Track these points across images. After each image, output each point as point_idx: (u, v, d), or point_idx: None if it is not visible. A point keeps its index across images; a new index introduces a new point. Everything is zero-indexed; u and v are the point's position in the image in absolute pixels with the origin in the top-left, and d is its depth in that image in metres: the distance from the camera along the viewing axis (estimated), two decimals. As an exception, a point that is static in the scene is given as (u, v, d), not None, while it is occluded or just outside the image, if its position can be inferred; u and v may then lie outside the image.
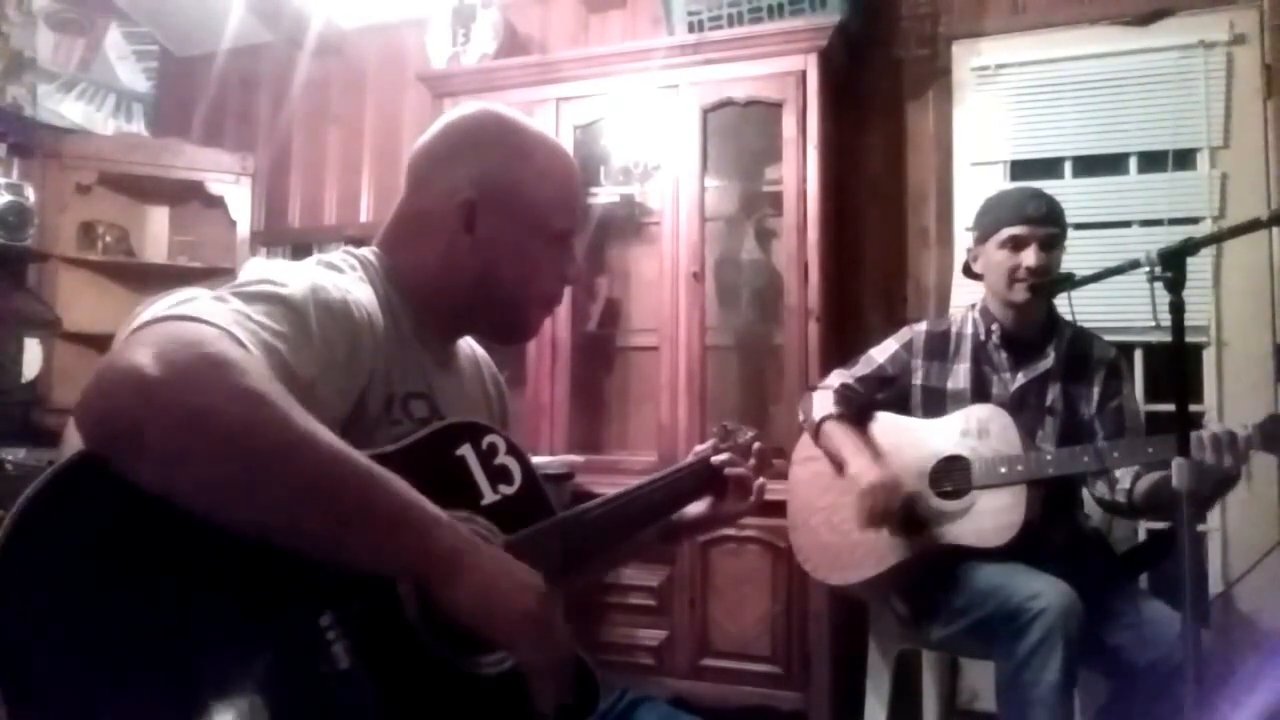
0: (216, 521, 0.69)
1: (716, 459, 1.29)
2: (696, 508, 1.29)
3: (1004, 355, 1.92)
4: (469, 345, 1.18)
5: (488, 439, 0.96)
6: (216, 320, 0.75)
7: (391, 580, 0.80)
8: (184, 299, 0.75)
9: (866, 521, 1.81)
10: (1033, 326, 1.91)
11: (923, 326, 2.03)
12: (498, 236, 1.03)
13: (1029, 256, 1.83)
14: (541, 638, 0.77)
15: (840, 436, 1.93)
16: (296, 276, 0.87)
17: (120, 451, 0.67)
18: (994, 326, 1.93)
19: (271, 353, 0.77)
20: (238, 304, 0.79)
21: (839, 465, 1.92)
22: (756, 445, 1.34)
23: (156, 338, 0.70)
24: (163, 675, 0.67)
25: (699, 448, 1.32)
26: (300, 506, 0.70)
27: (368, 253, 1.04)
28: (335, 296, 0.88)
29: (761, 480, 1.30)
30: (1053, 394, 1.88)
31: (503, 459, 0.97)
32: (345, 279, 0.95)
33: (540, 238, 1.05)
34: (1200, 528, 2.46)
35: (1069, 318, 1.89)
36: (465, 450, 0.93)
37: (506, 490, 0.96)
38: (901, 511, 1.81)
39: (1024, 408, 1.87)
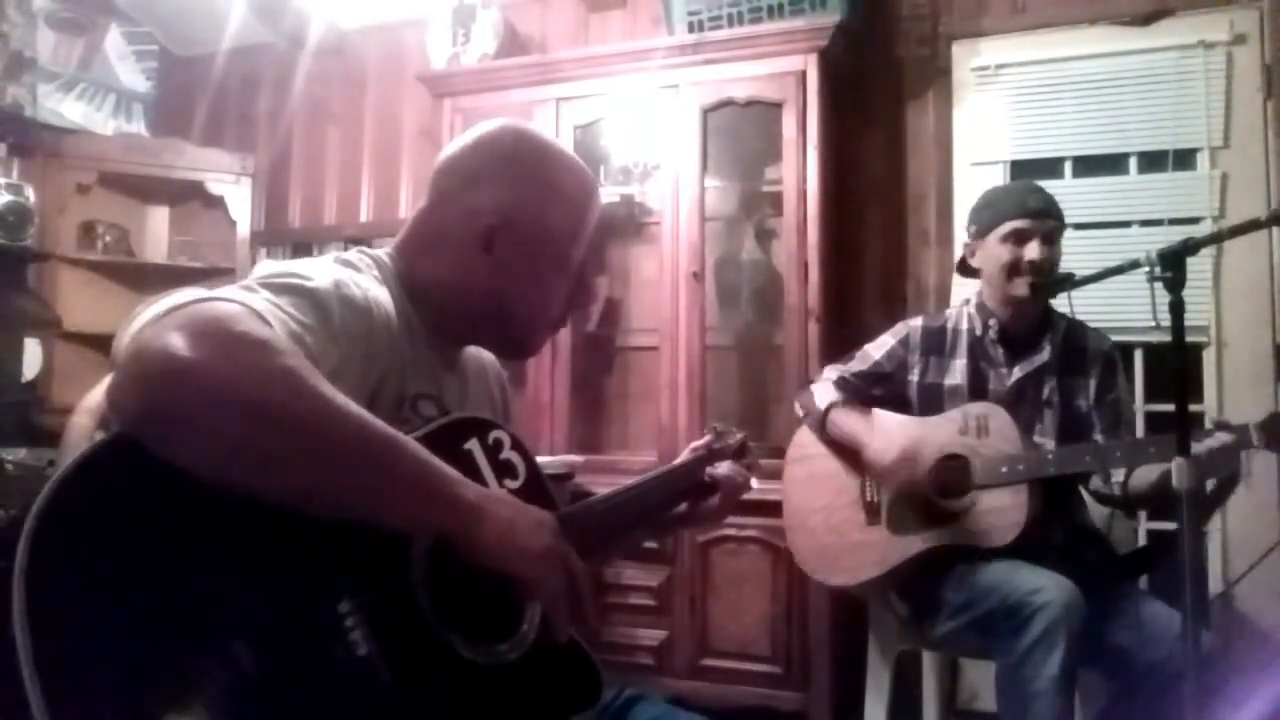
0: (259, 494, 0.72)
1: (707, 445, 1.32)
2: (686, 505, 1.31)
3: (1000, 350, 1.92)
4: (475, 349, 1.19)
5: (493, 434, 0.98)
6: (245, 302, 0.77)
7: (406, 568, 0.83)
8: (192, 298, 0.77)
9: (898, 492, 1.83)
10: (1029, 321, 1.91)
11: (918, 322, 2.02)
12: (514, 262, 1.04)
13: (1032, 250, 1.83)
14: (558, 570, 0.85)
15: (850, 421, 1.93)
16: (320, 271, 0.89)
17: (164, 433, 0.69)
18: (991, 322, 1.93)
19: (298, 342, 0.79)
20: (266, 294, 0.81)
21: (853, 450, 1.91)
22: (745, 446, 1.37)
23: (189, 320, 0.72)
24: (184, 654, 0.67)
25: (694, 444, 1.35)
26: (340, 474, 0.75)
27: (383, 254, 1.05)
28: (356, 294, 0.91)
29: (749, 479, 1.32)
30: (1049, 387, 1.88)
31: (508, 454, 0.99)
32: (363, 278, 0.96)
33: (557, 267, 1.07)
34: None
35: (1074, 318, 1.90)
36: (472, 445, 0.95)
37: (512, 485, 0.97)
38: (932, 480, 1.82)
39: (1021, 402, 1.87)
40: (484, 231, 1.02)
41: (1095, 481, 1.85)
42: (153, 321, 0.73)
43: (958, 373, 1.93)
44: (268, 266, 0.90)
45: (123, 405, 0.70)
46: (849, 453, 1.93)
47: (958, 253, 2.79)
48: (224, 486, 0.70)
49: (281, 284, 0.84)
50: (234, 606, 0.71)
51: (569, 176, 1.08)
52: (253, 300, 0.78)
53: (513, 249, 1.03)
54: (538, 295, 1.07)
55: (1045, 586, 1.59)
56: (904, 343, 2.00)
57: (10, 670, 0.60)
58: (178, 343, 0.69)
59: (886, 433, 1.87)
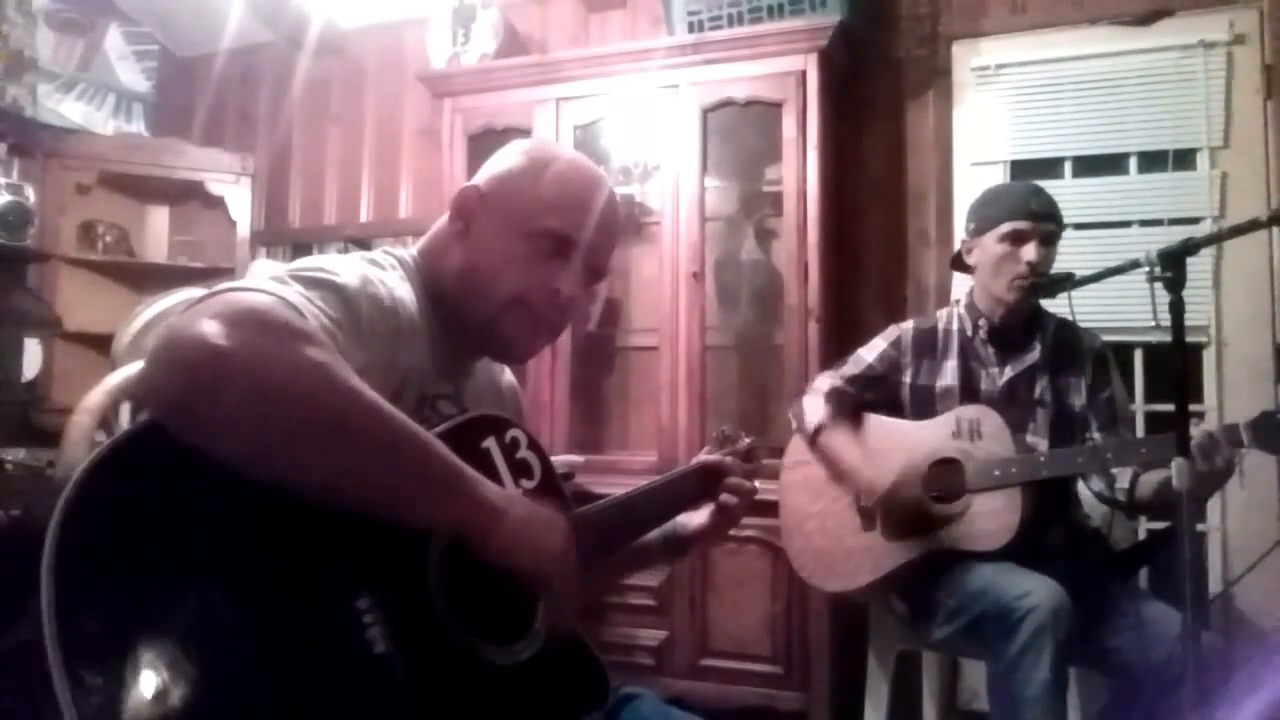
0: (284, 483, 0.72)
1: (714, 459, 1.30)
2: (699, 519, 1.28)
3: (991, 350, 1.92)
4: (498, 368, 1.22)
5: (510, 433, 0.99)
6: (279, 293, 0.78)
7: (423, 566, 0.84)
8: (224, 287, 0.77)
9: (892, 528, 1.82)
10: (1019, 320, 1.91)
11: (910, 324, 2.02)
12: (487, 231, 1.04)
13: (1029, 251, 1.83)
14: (568, 570, 0.88)
15: (837, 444, 1.93)
16: (348, 269, 0.90)
17: (195, 418, 0.70)
18: (981, 321, 1.93)
19: (329, 337, 0.80)
20: (298, 288, 0.82)
21: (839, 475, 1.92)
22: (753, 450, 1.36)
23: (224, 308, 0.72)
24: (201, 643, 0.68)
25: (705, 449, 1.34)
26: (367, 468, 0.76)
27: (407, 255, 1.06)
28: (383, 293, 0.92)
29: (756, 484, 1.30)
30: (1041, 386, 1.88)
31: (524, 453, 0.99)
32: (389, 277, 0.97)
33: (524, 237, 1.03)
34: (1200, 527, 2.46)
35: (1070, 318, 1.89)
36: (490, 443, 0.96)
37: (527, 484, 0.98)
38: (926, 485, 1.82)
39: (1013, 401, 1.87)
40: (466, 197, 1.04)
41: (1098, 485, 1.85)
42: (185, 308, 0.73)
43: (949, 374, 1.93)
44: (264, 267, 0.91)
45: (156, 389, 0.70)
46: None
47: (958, 253, 2.81)
48: (250, 474, 0.71)
49: (312, 279, 0.85)
50: (253, 597, 0.71)
51: (564, 161, 1.09)
52: (286, 293, 0.79)
53: (486, 221, 1.04)
54: (499, 265, 1.02)
55: (1032, 590, 1.58)
56: (896, 345, 1.99)
57: (36, 660, 0.60)
58: (213, 329, 0.70)
59: (875, 458, 1.88)
